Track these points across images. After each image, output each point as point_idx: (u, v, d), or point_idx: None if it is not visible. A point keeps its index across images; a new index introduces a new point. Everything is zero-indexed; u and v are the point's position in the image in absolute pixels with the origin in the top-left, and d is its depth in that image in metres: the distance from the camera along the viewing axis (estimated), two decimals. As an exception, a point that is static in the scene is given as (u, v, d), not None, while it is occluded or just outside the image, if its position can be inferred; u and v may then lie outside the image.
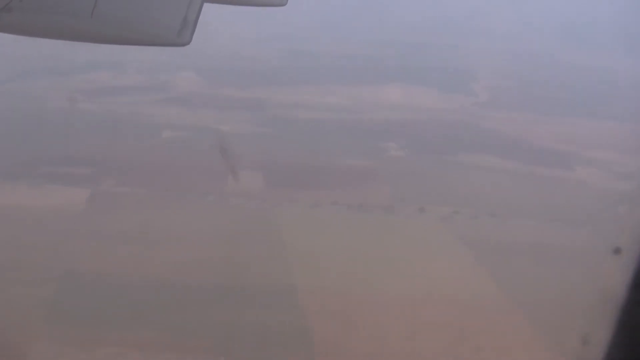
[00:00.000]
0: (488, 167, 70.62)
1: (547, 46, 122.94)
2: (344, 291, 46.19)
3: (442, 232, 56.32)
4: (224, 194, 58.82)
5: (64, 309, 41.90)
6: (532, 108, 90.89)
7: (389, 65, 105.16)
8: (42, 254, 47.20)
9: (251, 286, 45.94)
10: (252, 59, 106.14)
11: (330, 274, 48.19)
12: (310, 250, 51.05)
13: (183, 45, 9.43)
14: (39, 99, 79.40)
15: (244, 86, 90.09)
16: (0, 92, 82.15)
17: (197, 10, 9.33)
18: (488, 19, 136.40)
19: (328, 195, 59.88)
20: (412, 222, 57.16)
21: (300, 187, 61.63)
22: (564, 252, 52.87)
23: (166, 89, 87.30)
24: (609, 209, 54.18)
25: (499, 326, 43.38)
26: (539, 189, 66.15)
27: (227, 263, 48.48)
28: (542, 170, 70.33)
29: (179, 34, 9.25)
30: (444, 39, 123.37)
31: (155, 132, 72.83)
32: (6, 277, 44.35)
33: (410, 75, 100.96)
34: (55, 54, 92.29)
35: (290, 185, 61.84)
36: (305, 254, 50.48)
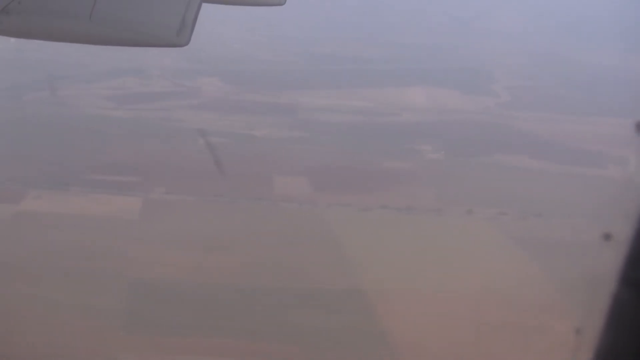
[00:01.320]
0: (525, 167, 71.20)
1: (558, 45, 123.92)
2: (407, 292, 46.60)
3: (492, 233, 56.82)
4: (274, 199, 59.00)
5: (141, 317, 41.99)
6: (555, 107, 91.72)
7: (408, 68, 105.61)
8: (110, 262, 47.20)
9: (317, 289, 46.22)
10: (269, 62, 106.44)
11: (391, 276, 48.56)
12: (369, 253, 51.39)
13: (182, 45, 9.36)
14: (70, 107, 79.20)
15: (269, 90, 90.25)
16: (30, 99, 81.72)
17: (195, 11, 9.22)
18: (496, 18, 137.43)
19: (376, 199, 60.16)
20: (462, 224, 57.59)
21: (347, 190, 61.84)
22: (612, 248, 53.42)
23: (193, 95, 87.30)
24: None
25: (555, 324, 43.91)
26: (578, 188, 66.76)
27: (290, 267, 48.68)
28: (578, 170, 71.01)
29: (178, 35, 9.21)
30: (454, 40, 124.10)
31: (190, 138, 72.80)
32: (79, 285, 44.41)
33: (430, 77, 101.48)
34: (76, 60, 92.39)
35: (337, 189, 62.05)
36: (364, 257, 50.80)
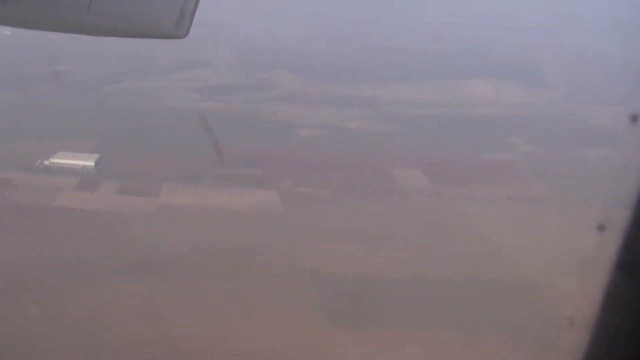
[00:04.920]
0: (608, 158, 73.08)
1: (593, 40, 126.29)
2: (562, 284, 47.88)
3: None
4: (402, 191, 59.91)
5: (336, 309, 42.57)
6: (613, 100, 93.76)
7: (461, 61, 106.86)
8: (280, 256, 47.70)
9: (486, 280, 47.27)
10: (324, 55, 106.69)
11: (542, 268, 49.82)
12: (515, 244, 52.57)
13: (180, 37, 9.14)
14: (156, 99, 78.90)
15: (341, 83, 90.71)
16: (111, 92, 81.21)
17: (194, 3, 9.14)
18: (531, 14, 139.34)
19: (498, 191, 61.40)
20: (586, 215, 59.10)
21: (463, 182, 62.96)
22: None
23: (270, 88, 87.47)
24: None
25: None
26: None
27: (444, 259, 49.56)
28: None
29: (177, 26, 9.04)
30: (494, 35, 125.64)
31: (289, 130, 73.18)
32: (262, 279, 44.85)
33: (486, 70, 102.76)
34: (140, 53, 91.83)
35: (454, 181, 63.10)
36: (512, 249, 51.99)
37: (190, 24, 9.10)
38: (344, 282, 45.56)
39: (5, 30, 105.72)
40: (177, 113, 73.98)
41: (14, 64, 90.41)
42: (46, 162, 61.44)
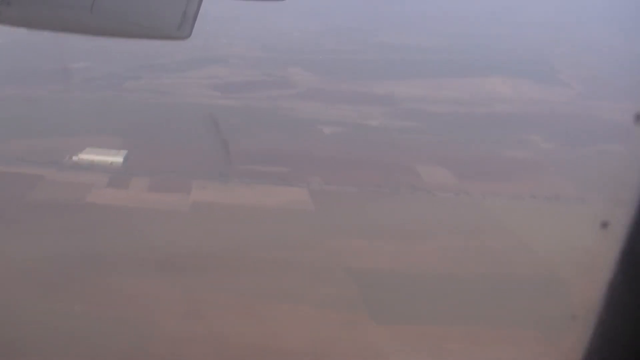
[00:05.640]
0: (627, 155, 73.70)
1: (602, 35, 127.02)
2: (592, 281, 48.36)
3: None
4: (429, 189, 60.35)
5: (378, 306, 42.95)
6: (629, 97, 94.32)
7: (474, 58, 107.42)
8: (318, 253, 48.03)
9: (514, 274, 47.72)
10: (340, 51, 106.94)
11: (573, 265, 50.29)
12: (545, 241, 53.04)
13: (183, 39, 9.11)
14: (175, 96, 79.05)
15: (357, 80, 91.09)
16: (130, 88, 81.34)
17: (197, 4, 9.16)
18: (539, 9, 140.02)
19: (522, 188, 61.90)
20: (611, 212, 59.59)
21: (488, 179, 63.43)
22: None
23: (287, 85, 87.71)
24: None
25: None
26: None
27: (475, 255, 49.97)
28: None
29: (179, 28, 9.03)
30: (502, 30, 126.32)
31: (310, 127, 73.49)
32: (301, 276, 45.21)
33: (498, 67, 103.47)
34: (155, 51, 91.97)
35: (479, 178, 63.55)
36: (542, 245, 52.47)
37: (192, 26, 9.10)
38: (381, 279, 45.94)
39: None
40: (197, 110, 74.19)
41: (30, 60, 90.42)
42: (74, 159, 61.65)
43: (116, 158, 61.85)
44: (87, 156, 61.97)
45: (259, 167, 61.93)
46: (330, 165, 63.47)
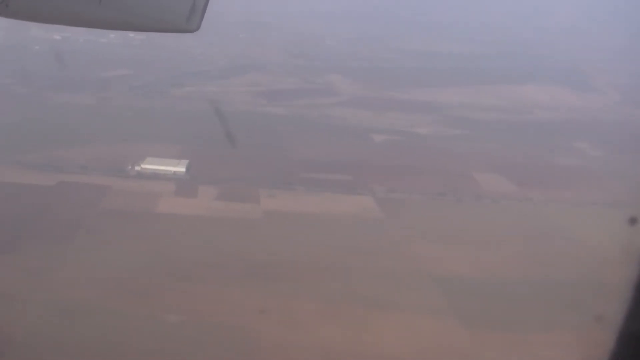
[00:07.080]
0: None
1: (629, 40, 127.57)
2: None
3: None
4: (493, 197, 60.76)
5: (470, 313, 43.23)
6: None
7: (508, 65, 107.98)
8: (391, 260, 48.36)
9: (594, 280, 47.97)
10: (375, 59, 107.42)
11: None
12: (613, 248, 53.46)
13: (191, 32, 9.05)
14: (224, 104, 79.39)
15: (397, 88, 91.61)
16: (177, 96, 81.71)
17: None
18: (564, 14, 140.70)
19: (580, 195, 62.40)
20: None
21: (546, 186, 63.94)
22: None
23: (330, 93, 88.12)
24: None
25: None
26: None
27: (552, 261, 50.33)
28: None
29: (188, 20, 8.92)
30: (530, 35, 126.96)
31: (363, 135, 73.89)
32: (382, 281, 45.56)
33: (532, 73, 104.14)
34: (190, 57, 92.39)
35: (537, 185, 64.04)
36: (611, 252, 52.83)
37: (201, 18, 9.01)
38: (464, 285, 46.31)
39: (55, 35, 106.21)
40: (247, 117, 74.53)
41: (72, 68, 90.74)
42: (137, 168, 61.93)
43: (179, 167, 62.14)
44: (150, 165, 62.21)
45: (322, 175, 62.30)
46: (390, 173, 63.89)
